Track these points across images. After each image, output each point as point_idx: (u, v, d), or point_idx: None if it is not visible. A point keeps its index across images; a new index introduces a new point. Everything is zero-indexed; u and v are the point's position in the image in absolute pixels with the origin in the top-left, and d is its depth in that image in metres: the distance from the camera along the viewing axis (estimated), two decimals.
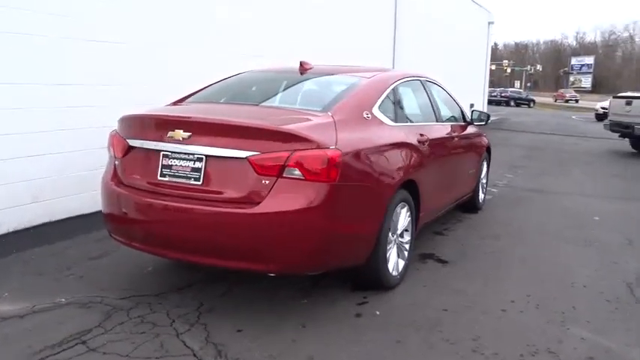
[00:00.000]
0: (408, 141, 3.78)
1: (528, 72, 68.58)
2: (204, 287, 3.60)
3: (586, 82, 70.64)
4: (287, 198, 2.83)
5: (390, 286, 3.61)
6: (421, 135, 4.03)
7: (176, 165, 3.05)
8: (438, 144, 4.33)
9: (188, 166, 3.01)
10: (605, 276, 4.11)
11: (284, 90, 3.90)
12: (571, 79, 68.44)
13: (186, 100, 3.83)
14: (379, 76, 3.95)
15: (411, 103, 4.27)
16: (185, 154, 3.02)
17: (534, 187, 7.77)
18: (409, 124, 4.05)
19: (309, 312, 3.29)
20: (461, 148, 5.07)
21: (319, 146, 2.86)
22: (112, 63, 5.21)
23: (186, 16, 6.09)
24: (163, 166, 3.09)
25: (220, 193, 2.93)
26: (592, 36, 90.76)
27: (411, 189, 3.75)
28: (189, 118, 3.07)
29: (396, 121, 3.78)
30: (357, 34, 9.91)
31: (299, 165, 2.81)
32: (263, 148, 2.85)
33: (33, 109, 4.61)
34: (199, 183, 2.98)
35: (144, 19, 5.56)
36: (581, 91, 68.67)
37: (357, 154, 3.11)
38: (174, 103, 3.81)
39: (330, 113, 3.23)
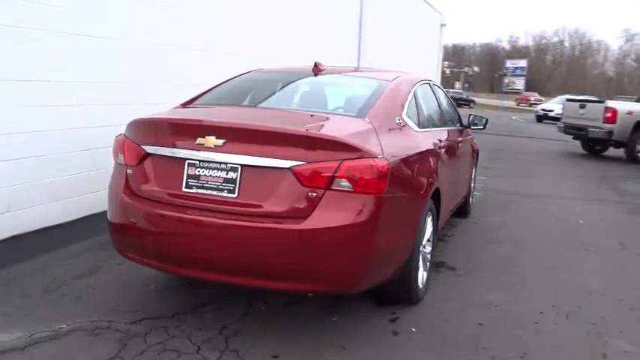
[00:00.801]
0: (433, 147, 3.62)
1: (467, 73, 70.71)
2: (221, 306, 3.29)
3: (519, 83, 73.41)
4: (336, 212, 2.59)
5: (418, 299, 3.44)
6: (440, 141, 3.89)
7: (205, 175, 2.74)
8: (448, 149, 4.21)
9: (220, 177, 2.71)
10: (617, 282, 4.11)
11: (307, 92, 3.64)
12: (505, 80, 70.99)
13: (198, 103, 3.50)
14: (400, 78, 3.76)
15: (427, 107, 4.12)
16: (216, 163, 2.71)
17: (511, 190, 7.84)
18: (430, 129, 3.89)
19: (343, 331, 3.06)
20: (461, 153, 4.99)
21: (368, 155, 2.64)
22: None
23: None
24: (189, 177, 2.77)
25: (258, 206, 2.65)
26: (524, 40, 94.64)
27: (434, 197, 3.59)
28: (222, 123, 2.76)
29: (419, 126, 3.61)
30: (324, 32, 9.70)
31: (348, 176, 2.58)
32: (308, 157, 2.60)
33: None
34: (234, 195, 2.68)
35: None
36: (514, 92, 71.33)
37: (398, 164, 2.91)
38: (185, 106, 3.47)
39: (367, 119, 3.01)
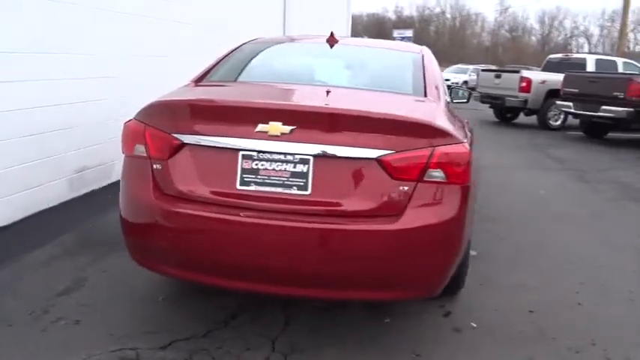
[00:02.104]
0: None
1: None
2: (255, 317, 2.85)
3: None
4: (431, 207, 2.25)
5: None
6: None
7: (266, 169, 2.26)
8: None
9: (286, 171, 2.25)
10: (617, 253, 4.19)
11: (343, 67, 3.21)
12: None
13: (219, 80, 2.93)
14: (424, 51, 3.44)
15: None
16: (282, 154, 2.24)
17: None
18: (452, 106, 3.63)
19: (404, 334, 2.76)
20: None
21: (457, 141, 2.32)
22: None
23: None
24: (245, 171, 2.27)
25: (336, 204, 2.24)
26: (409, 11, 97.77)
27: None
28: (291, 106, 2.29)
29: (450, 103, 3.35)
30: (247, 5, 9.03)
31: (442, 165, 2.25)
32: (395, 145, 2.22)
33: None
34: (306, 192, 2.24)
35: None
36: None
37: (471, 148, 2.62)
38: (198, 83, 2.90)
39: (432, 98, 2.68)
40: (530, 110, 12.51)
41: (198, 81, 2.93)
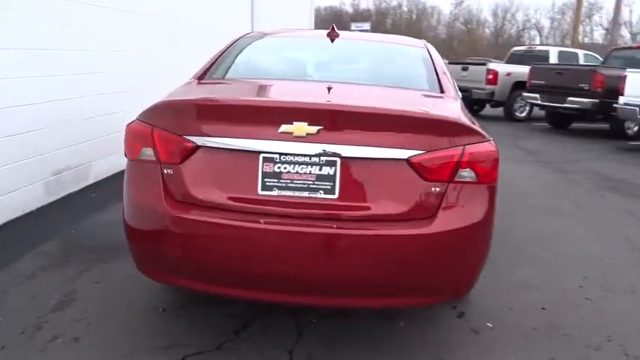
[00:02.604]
0: None
1: None
2: (267, 326, 2.71)
3: None
4: (462, 209, 2.16)
5: None
6: None
7: (289, 172, 2.12)
8: None
9: (312, 174, 2.12)
10: (610, 245, 4.23)
11: (352, 63, 3.08)
12: None
13: (224, 77, 2.76)
14: (427, 45, 3.36)
15: None
16: (306, 156, 2.11)
17: None
18: None
19: (424, 338, 2.68)
20: None
21: (484, 139, 2.24)
22: None
23: None
24: (266, 175, 2.13)
25: (367, 208, 2.12)
26: (366, 4, 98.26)
27: None
28: (317, 105, 2.14)
29: None
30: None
31: (472, 164, 2.16)
32: (425, 144, 2.12)
33: None
34: (334, 196, 2.12)
35: None
36: None
37: None
38: (201, 81, 2.72)
39: (449, 94, 2.60)
40: (496, 102, 12.69)
41: (201, 78, 2.75)
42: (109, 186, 5.10)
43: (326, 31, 3.27)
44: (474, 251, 2.23)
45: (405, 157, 2.10)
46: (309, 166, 2.11)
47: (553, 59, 12.89)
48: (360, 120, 2.12)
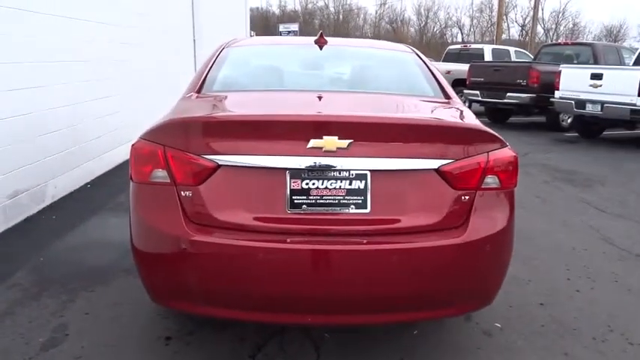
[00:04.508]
0: None
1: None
2: (282, 348, 2.59)
3: None
4: (490, 216, 2.17)
5: None
6: None
7: (318, 189, 2.04)
8: None
9: (341, 189, 2.05)
10: (579, 235, 4.42)
11: (357, 71, 3.02)
12: None
13: (224, 90, 2.63)
14: (414, 49, 3.36)
15: None
16: (335, 170, 2.04)
17: None
18: None
19: (443, 346, 2.68)
20: None
21: (504, 145, 2.25)
22: None
23: None
24: (294, 192, 2.04)
25: (400, 221, 2.08)
26: (293, 5, 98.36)
27: None
28: (348, 118, 2.07)
29: None
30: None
31: (496, 171, 2.17)
32: (452, 153, 2.11)
33: None
34: (366, 211, 2.06)
35: None
36: None
37: None
38: (200, 94, 2.57)
39: (456, 100, 2.60)
40: None
41: (199, 92, 2.60)
42: (68, 206, 4.79)
43: (312, 38, 3.21)
44: (502, 256, 2.24)
45: (435, 166, 2.08)
46: (339, 181, 2.05)
47: (487, 57, 13.40)
48: (389, 131, 2.08)
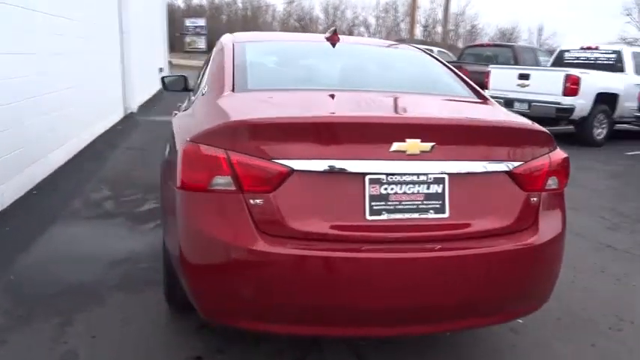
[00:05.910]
0: None
1: None
2: (323, 355, 2.48)
3: (201, 43, 75.43)
4: (554, 216, 2.21)
5: None
6: None
7: (397, 194, 1.95)
8: None
9: (419, 193, 1.97)
10: None
11: (383, 70, 2.91)
12: (187, 40, 72.08)
13: (261, 87, 2.43)
14: (420, 47, 3.34)
15: None
16: (414, 175, 1.95)
17: None
18: None
19: (478, 348, 2.68)
20: None
21: (556, 145, 2.29)
22: None
23: None
24: (373, 198, 1.93)
25: (477, 225, 2.04)
26: None
27: None
28: (432, 120, 1.98)
29: None
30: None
31: (556, 172, 2.20)
32: (521, 155, 2.11)
33: None
34: (444, 215, 1.99)
35: None
36: (198, 51, 72.99)
37: None
38: (234, 92, 2.36)
39: (491, 100, 2.61)
40: None
41: (233, 90, 2.37)
42: (17, 214, 4.30)
43: (323, 35, 3.09)
44: (561, 256, 2.28)
45: (509, 168, 2.05)
46: (417, 185, 1.96)
47: None
48: (467, 133, 2.03)
